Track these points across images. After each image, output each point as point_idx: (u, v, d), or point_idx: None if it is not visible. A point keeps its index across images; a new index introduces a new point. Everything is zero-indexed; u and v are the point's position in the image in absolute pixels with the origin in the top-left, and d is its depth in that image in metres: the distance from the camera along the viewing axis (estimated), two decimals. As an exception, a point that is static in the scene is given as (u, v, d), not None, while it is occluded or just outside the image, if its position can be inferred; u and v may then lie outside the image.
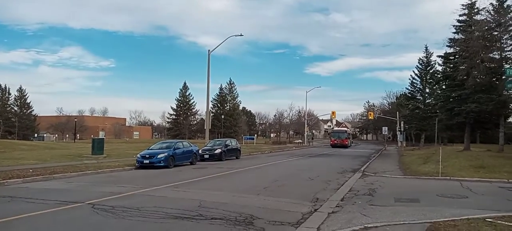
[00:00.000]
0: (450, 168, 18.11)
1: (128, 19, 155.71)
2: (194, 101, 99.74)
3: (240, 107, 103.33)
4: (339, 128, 78.14)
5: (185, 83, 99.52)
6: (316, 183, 14.64)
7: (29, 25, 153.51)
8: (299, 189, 13.07)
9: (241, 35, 32.29)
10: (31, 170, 16.59)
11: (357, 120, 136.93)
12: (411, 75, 58.78)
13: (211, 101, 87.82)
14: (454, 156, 25.29)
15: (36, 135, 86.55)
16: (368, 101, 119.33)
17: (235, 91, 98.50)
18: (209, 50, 32.04)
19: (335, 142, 57.36)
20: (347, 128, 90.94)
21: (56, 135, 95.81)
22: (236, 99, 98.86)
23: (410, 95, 60.04)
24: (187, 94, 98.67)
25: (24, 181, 14.09)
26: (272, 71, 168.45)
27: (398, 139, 60.56)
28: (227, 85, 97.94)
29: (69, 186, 13.16)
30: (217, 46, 33.34)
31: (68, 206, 9.43)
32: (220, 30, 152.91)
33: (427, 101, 56.44)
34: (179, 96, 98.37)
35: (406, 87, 65.09)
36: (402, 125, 58.02)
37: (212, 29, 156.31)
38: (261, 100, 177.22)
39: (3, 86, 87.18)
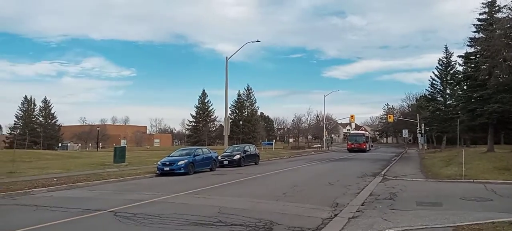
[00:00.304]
0: (473, 170, 17.70)
1: (147, 29, 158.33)
2: (213, 108, 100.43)
3: (258, 113, 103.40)
4: (357, 131, 69.97)
5: (203, 90, 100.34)
6: (336, 187, 14.53)
7: (52, 37, 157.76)
8: (319, 194, 13.00)
9: (258, 41, 32.44)
10: (55, 179, 17.02)
11: (377, 123, 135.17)
12: (431, 76, 57.79)
13: (229, 107, 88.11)
14: (478, 157, 24.70)
15: (60, 144, 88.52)
16: (387, 104, 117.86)
17: (253, 97, 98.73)
18: (226, 57, 32.32)
19: (352, 146, 53.42)
20: (366, 130, 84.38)
21: (80, 144, 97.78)
22: (254, 105, 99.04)
23: (430, 96, 58.93)
24: (206, 101, 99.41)
25: (48, 190, 14.46)
26: (289, 76, 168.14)
27: (419, 141, 59.52)
28: (245, 91, 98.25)
29: (91, 194, 13.44)
30: (235, 53, 33.62)
31: (90, 214, 9.63)
32: (237, 36, 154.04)
33: (448, 102, 55.30)
34: (198, 103, 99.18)
35: (426, 89, 63.91)
36: (422, 127, 57.00)
37: (229, 36, 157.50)
38: (279, 106, 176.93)
39: (28, 97, 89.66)
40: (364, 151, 51.95)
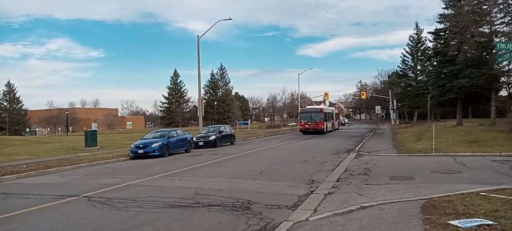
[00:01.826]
0: (443, 144, 18.30)
1: (115, 7, 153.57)
2: (185, 89, 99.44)
3: (233, 93, 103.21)
4: (312, 107, 51.59)
5: (175, 70, 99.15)
6: (311, 164, 14.71)
7: (14, 18, 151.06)
8: (295, 171, 13.12)
9: (230, 19, 32.04)
10: (24, 166, 16.47)
11: (350, 100, 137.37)
12: (402, 53, 59.14)
13: (203, 87, 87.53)
14: (447, 131, 25.53)
15: (28, 130, 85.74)
16: (361, 81, 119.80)
17: (226, 76, 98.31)
18: (198, 36, 31.78)
19: (306, 126, 40.20)
20: (325, 105, 66.78)
21: (48, 129, 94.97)
22: (228, 85, 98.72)
23: (401, 73, 60.31)
24: (178, 81, 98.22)
25: (18, 176, 13.98)
26: (263, 54, 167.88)
27: (391, 117, 61.09)
28: (219, 71, 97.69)
29: (64, 180, 13.08)
30: (206, 32, 33.22)
31: (64, 200, 9.38)
32: (209, 15, 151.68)
33: (419, 78, 56.77)
34: (171, 84, 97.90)
35: (397, 65, 65.34)
36: (394, 103, 58.45)
37: (201, 14, 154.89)
38: (253, 85, 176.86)
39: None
40: (322, 132, 39.12)
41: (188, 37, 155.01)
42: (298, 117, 45.90)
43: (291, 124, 75.86)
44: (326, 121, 41.26)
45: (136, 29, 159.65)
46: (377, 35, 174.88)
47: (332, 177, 11.31)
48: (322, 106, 49.34)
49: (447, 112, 53.54)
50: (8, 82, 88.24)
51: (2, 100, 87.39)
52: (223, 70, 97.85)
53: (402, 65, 59.38)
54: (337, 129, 50.11)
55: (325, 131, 39.80)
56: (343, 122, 69.00)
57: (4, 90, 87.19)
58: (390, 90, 62.78)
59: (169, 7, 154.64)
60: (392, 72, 78.04)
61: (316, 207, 7.47)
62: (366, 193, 8.46)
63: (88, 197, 9.50)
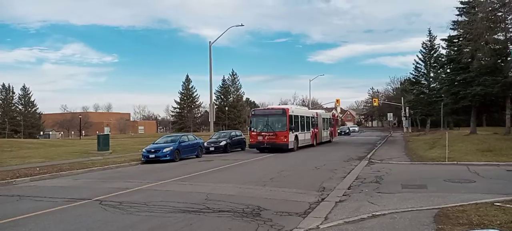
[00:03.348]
0: (457, 153, 18.03)
1: (129, 13, 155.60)
2: (197, 94, 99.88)
3: (244, 98, 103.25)
4: (269, 108, 31.78)
5: (187, 76, 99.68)
6: (322, 172, 14.62)
7: (31, 23, 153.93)
8: (306, 178, 13.06)
9: (241, 25, 32.19)
10: (38, 168, 16.70)
11: (362, 107, 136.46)
12: (415, 60, 58.46)
13: (215, 93, 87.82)
14: (461, 140, 25.17)
15: (41, 133, 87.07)
16: (372, 88, 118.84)
17: (238, 82, 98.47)
18: (210, 41, 31.93)
19: (259, 138, 25.27)
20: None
21: (62, 132, 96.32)
22: (240, 91, 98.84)
23: (414, 80, 59.64)
24: (190, 87, 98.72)
25: (31, 179, 14.18)
26: (274, 60, 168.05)
27: (404, 124, 60.48)
28: (230, 77, 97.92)
29: (76, 183, 13.23)
30: (218, 37, 33.27)
31: (76, 203, 9.47)
32: (221, 21, 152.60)
33: (432, 85, 56.07)
34: (183, 89, 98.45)
35: (410, 72, 64.76)
36: (407, 110, 57.86)
37: (213, 20, 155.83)
38: (264, 91, 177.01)
39: (6, 85, 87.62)
40: (283, 148, 24.49)
41: (200, 43, 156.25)
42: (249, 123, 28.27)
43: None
44: (293, 130, 25.16)
45: (150, 35, 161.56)
46: (389, 42, 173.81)
47: (343, 184, 11.22)
48: (289, 106, 29.08)
49: (460, 121, 52.77)
50: (24, 86, 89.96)
51: (17, 104, 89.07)
52: (235, 76, 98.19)
53: (415, 72, 58.77)
54: (330, 142, 35.80)
55: (289, 146, 24.45)
56: (347, 130, 63.90)
57: (19, 94, 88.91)
58: (402, 98, 62.21)
59: (182, 14, 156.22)
60: (404, 79, 77.34)
61: (327, 214, 7.41)
62: (377, 201, 8.37)
63: (100, 200, 9.58)
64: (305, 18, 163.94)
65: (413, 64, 58.57)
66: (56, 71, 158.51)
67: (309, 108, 46.00)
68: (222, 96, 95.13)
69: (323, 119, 34.94)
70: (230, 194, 10.00)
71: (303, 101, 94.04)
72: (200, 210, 8.19)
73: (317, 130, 31.84)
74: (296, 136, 26.08)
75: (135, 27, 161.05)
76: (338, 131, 58.29)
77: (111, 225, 7.30)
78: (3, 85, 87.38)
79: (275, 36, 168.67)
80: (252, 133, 25.60)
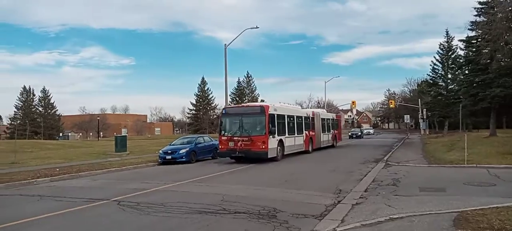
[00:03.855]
0: (476, 155, 17.69)
1: (146, 17, 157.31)
2: (213, 96, 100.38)
3: (259, 100, 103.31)
4: (246, 104, 31.51)
5: (203, 78, 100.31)
6: (338, 174, 14.54)
7: (51, 27, 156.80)
8: (321, 180, 13.01)
9: (256, 27, 32.06)
10: (58, 169, 17.05)
11: (378, 108, 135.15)
12: (432, 61, 57.57)
13: (230, 95, 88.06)
14: (480, 142, 24.69)
15: (61, 134, 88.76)
16: (389, 90, 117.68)
17: (253, 84, 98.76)
18: (225, 44, 32.03)
19: (230, 145, 19.86)
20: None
21: (80, 134, 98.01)
22: (254, 92, 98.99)
23: (431, 81, 58.70)
24: (205, 89, 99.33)
25: (51, 179, 14.49)
26: (289, 62, 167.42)
27: (421, 126, 59.67)
28: (245, 79, 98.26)
29: (95, 184, 13.46)
30: (233, 40, 33.31)
31: (95, 203, 9.64)
32: (236, 23, 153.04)
33: (450, 87, 55.11)
34: (198, 91, 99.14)
35: (427, 74, 63.65)
36: (424, 112, 57.07)
37: (228, 23, 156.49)
38: (279, 93, 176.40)
39: (27, 88, 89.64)
40: (262, 156, 19.36)
41: (216, 46, 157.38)
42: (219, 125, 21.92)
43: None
44: (274, 134, 19.80)
45: (166, 37, 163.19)
46: (405, 43, 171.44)
47: (359, 187, 11.13)
48: (271, 103, 22.66)
49: (479, 123, 51.74)
50: (44, 89, 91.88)
51: (37, 106, 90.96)
52: (250, 78, 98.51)
53: (432, 73, 57.82)
54: (332, 146, 31.36)
55: (269, 154, 19.19)
56: (359, 133, 58.85)
57: (40, 96, 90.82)
58: (419, 99, 61.37)
59: (198, 17, 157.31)
60: (421, 81, 76.18)
61: (344, 217, 7.36)
62: (395, 204, 8.28)
63: (118, 201, 9.73)
64: (320, 20, 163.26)
65: (430, 65, 57.68)
66: (75, 74, 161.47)
67: (325, 110, 41.28)
68: (237, 98, 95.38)
69: (323, 119, 30.02)
70: (246, 195, 10.03)
71: (319, 103, 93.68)
72: (216, 211, 8.24)
73: (313, 133, 26.79)
74: (281, 141, 20.74)
75: (152, 30, 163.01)
76: (349, 134, 57.25)
77: (129, 226, 7.41)
78: (24, 87, 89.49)
79: (290, 38, 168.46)
80: (222, 138, 20.13)
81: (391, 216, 7.12)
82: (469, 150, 17.48)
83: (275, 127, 19.99)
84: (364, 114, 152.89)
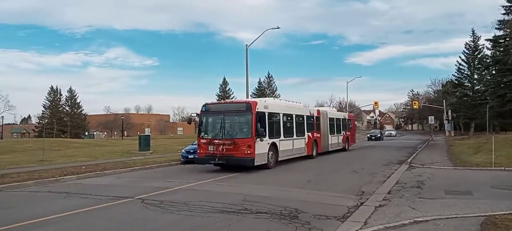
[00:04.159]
0: (504, 158, 17.16)
1: (169, 18, 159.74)
2: (234, 96, 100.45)
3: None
4: (230, 101, 32.83)
5: (224, 78, 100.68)
6: (361, 175, 14.39)
7: (77, 29, 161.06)
8: (344, 182, 12.91)
9: (278, 27, 31.98)
10: (84, 167, 17.51)
11: (401, 109, 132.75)
12: (457, 61, 56.18)
13: (251, 95, 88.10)
14: (508, 145, 23.92)
15: (86, 133, 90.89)
16: (412, 90, 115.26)
17: (274, 84, 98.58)
18: (246, 44, 32.09)
19: (210, 149, 16.20)
20: (270, 99, 20.82)
21: (105, 133, 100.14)
22: (275, 93, 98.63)
23: (457, 82, 57.29)
24: (227, 89, 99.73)
25: (78, 177, 14.87)
26: (310, 63, 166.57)
27: (446, 128, 58.24)
28: (266, 79, 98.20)
29: (119, 182, 13.75)
30: (254, 40, 33.35)
31: (119, 201, 9.85)
32: (257, 24, 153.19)
33: (476, 88, 53.69)
34: (220, 92, 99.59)
35: (452, 74, 62.23)
36: (449, 113, 55.72)
37: (249, 23, 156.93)
38: (300, 93, 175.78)
39: (55, 87, 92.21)
40: (247, 165, 15.91)
41: (237, 46, 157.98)
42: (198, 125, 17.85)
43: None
44: (262, 137, 16.32)
45: (188, 38, 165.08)
46: (430, 43, 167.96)
47: (383, 188, 10.98)
48: (260, 99, 19.72)
49: (507, 124, 50.00)
50: (70, 89, 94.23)
51: (64, 105, 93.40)
52: (270, 79, 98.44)
53: (458, 74, 56.45)
54: (343, 150, 28.35)
55: (256, 161, 15.89)
56: (378, 135, 54.34)
57: (66, 96, 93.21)
58: (444, 100, 59.95)
59: (219, 18, 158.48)
60: (446, 81, 74.49)
61: (367, 219, 7.28)
62: (419, 207, 8.13)
63: (142, 199, 9.91)
64: (342, 20, 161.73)
65: (456, 65, 56.35)
66: (100, 74, 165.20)
67: (347, 111, 39.78)
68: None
69: (331, 119, 26.87)
70: (267, 195, 10.04)
71: (340, 103, 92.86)
72: (238, 210, 8.29)
73: (318, 135, 23.61)
74: (274, 145, 17.40)
75: (174, 31, 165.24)
76: (367, 136, 54.87)
77: (153, 223, 7.54)
78: (52, 87, 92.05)
79: (311, 38, 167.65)
80: (201, 141, 16.61)
81: (415, 219, 7.00)
82: (496, 152, 16.98)
83: (265, 127, 16.62)
84: (387, 115, 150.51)
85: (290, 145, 19.33)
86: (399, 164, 18.19)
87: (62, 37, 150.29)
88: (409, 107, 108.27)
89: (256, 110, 16.07)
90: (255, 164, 15.77)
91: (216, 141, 16.01)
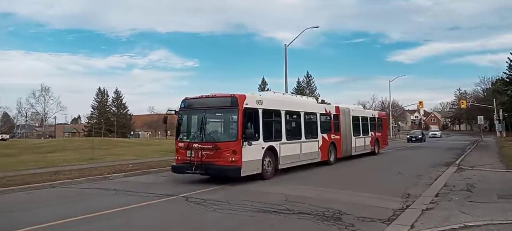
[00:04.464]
0: None
1: (209, 20, 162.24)
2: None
3: (319, 101, 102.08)
4: (212, 94, 13.85)
5: (263, 78, 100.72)
6: (406, 177, 13.94)
7: (122, 32, 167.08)
8: (388, 184, 12.58)
9: (317, 26, 31.72)
10: (130, 165, 18.19)
11: (447, 109, 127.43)
12: (508, 58, 53.21)
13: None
14: None
15: (132, 133, 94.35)
16: (459, 89, 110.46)
17: (313, 84, 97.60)
18: (285, 44, 32.05)
19: (189, 154, 13.00)
20: (269, 93, 15.93)
21: (149, 132, 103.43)
22: (315, 93, 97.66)
23: (508, 80, 54.22)
24: (266, 89, 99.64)
25: (125, 175, 15.47)
26: (351, 61, 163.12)
27: (497, 128, 55.30)
28: (305, 79, 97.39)
29: (163, 180, 14.17)
30: (293, 40, 33.23)
31: (164, 199, 10.15)
32: (296, 23, 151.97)
33: (530, 86, 50.59)
34: (258, 92, 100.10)
35: (503, 72, 58.82)
36: (500, 113, 52.85)
37: (288, 23, 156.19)
38: (340, 93, 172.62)
39: (102, 89, 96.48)
40: (229, 175, 12.56)
41: (276, 46, 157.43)
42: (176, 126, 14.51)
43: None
44: (251, 139, 12.65)
45: (228, 39, 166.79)
46: (478, 39, 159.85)
47: (429, 191, 10.59)
48: (251, 93, 14.66)
49: None
50: (116, 90, 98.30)
51: (111, 106, 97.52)
52: (310, 78, 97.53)
53: (509, 71, 53.43)
54: (372, 153, 24.42)
55: (242, 170, 12.36)
56: (419, 135, 49.68)
57: (113, 97, 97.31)
58: (494, 99, 56.94)
59: (258, 18, 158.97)
60: (496, 79, 70.70)
61: (413, 222, 7.05)
62: (470, 211, 7.77)
63: (186, 197, 10.16)
64: (383, 17, 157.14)
65: (507, 62, 53.44)
66: (144, 75, 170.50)
67: (389, 111, 35.26)
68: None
69: (355, 118, 22.72)
70: (309, 196, 9.98)
71: (383, 103, 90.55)
72: (280, 211, 8.30)
73: (337, 136, 19.57)
74: (271, 149, 13.94)
75: (214, 32, 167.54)
76: (407, 137, 51.18)
77: (196, 221, 7.71)
78: (99, 89, 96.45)
79: (351, 36, 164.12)
80: (179, 144, 13.61)
81: (466, 224, 6.71)
82: (555, 154, 15.91)
83: (259, 128, 13.33)
84: (432, 115, 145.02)
85: (296, 149, 15.79)
86: (446, 166, 17.45)
87: (108, 41, 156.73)
88: (456, 106, 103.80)
89: (244, 106, 12.74)
90: (242, 175, 12.34)
91: (195, 145, 12.84)
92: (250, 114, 13.03)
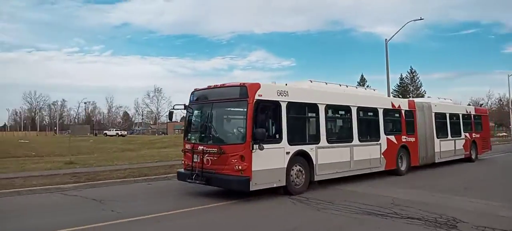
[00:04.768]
0: None
1: (305, 19, 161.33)
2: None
3: (425, 98, 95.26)
4: (221, 84, 10.95)
5: (362, 75, 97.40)
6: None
7: (223, 35, 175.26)
8: (509, 190, 11.33)
9: (421, 19, 29.62)
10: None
11: None
12: None
13: (392, 92, 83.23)
14: None
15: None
16: None
17: (417, 80, 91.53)
18: (386, 39, 30.55)
19: (193, 159, 10.49)
20: (292, 84, 12.84)
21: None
22: (420, 89, 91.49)
23: None
24: (365, 87, 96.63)
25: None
26: (459, 55, 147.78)
27: None
28: (408, 75, 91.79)
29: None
30: (395, 34, 31.39)
31: (269, 195, 10.47)
32: (397, 17, 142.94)
33: None
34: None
35: None
36: None
37: (388, 17, 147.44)
38: (448, 89, 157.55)
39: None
40: (235, 187, 9.90)
41: (374, 42, 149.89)
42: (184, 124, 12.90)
43: (500, 134, 64.63)
44: (258, 141, 9.44)
45: (324, 37, 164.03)
46: None
47: None
48: (266, 83, 10.61)
49: None
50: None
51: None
52: (413, 74, 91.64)
53: None
54: (469, 160, 19.32)
55: (252, 183, 9.31)
56: None
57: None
58: None
59: (355, 13, 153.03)
60: None
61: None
62: None
63: (290, 195, 10.35)
64: (497, 4, 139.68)
65: None
66: (244, 76, 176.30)
67: (509, 109, 29.32)
68: (400, 96, 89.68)
69: (439, 115, 17.84)
70: (418, 200, 9.44)
71: (500, 100, 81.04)
72: (387, 214, 8.01)
73: (411, 138, 15.46)
74: (303, 155, 10.87)
75: (310, 31, 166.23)
76: None
77: (300, 218, 7.85)
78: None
79: (459, 28, 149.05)
80: (186, 146, 11.18)
81: None
82: None
83: (281, 127, 10.28)
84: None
85: (344, 156, 12.24)
86: None
87: (211, 44, 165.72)
88: None
89: (257, 98, 9.69)
90: (252, 188, 9.37)
91: (200, 148, 10.34)
92: (267, 109, 10.06)
